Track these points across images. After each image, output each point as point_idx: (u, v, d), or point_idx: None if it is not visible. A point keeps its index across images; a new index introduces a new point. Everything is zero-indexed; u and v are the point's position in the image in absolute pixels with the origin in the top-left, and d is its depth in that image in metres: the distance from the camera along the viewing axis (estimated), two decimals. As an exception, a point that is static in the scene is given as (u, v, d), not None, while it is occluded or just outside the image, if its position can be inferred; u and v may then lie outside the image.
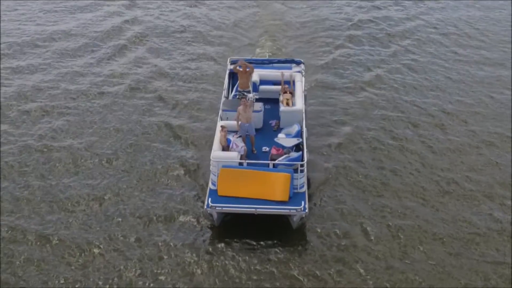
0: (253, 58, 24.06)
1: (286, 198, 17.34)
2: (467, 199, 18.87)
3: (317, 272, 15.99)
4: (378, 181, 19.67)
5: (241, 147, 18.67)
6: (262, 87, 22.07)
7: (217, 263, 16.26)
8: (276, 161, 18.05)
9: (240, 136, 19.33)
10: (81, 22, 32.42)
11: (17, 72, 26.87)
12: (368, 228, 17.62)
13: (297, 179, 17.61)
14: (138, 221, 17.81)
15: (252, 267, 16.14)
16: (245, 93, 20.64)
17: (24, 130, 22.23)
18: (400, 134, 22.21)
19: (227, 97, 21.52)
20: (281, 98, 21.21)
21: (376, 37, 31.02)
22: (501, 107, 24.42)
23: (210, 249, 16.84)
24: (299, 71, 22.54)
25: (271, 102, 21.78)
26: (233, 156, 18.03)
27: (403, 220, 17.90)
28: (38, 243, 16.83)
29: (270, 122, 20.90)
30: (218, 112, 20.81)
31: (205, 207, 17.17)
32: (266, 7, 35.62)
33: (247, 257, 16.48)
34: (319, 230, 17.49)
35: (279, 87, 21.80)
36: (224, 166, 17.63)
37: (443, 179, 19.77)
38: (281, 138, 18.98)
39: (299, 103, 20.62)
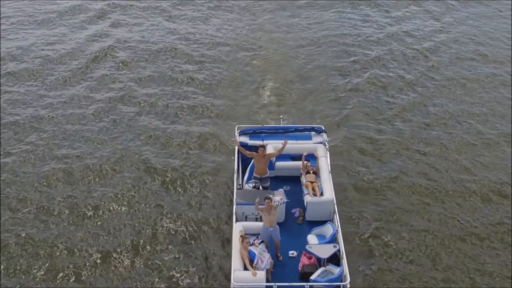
0: (264, 126, 20.26)
1: (328, 330, 14.01)
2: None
3: None
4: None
5: (267, 260, 15.13)
6: (278, 163, 18.49)
7: None
8: (313, 282, 14.56)
9: (262, 242, 15.80)
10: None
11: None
12: None
13: (340, 303, 14.26)
14: None
15: None
16: (264, 184, 17.01)
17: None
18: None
19: (241, 186, 17.74)
20: (303, 180, 17.68)
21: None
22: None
23: None
24: (321, 142, 18.95)
25: (291, 182, 18.23)
26: (260, 278, 14.44)
27: None
28: None
29: (292, 211, 17.35)
30: (232, 207, 17.03)
31: None
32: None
33: None
34: None
35: (298, 163, 18.26)
36: (249, 291, 14.14)
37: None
38: (314, 246, 15.45)
39: (328, 190, 17.02)
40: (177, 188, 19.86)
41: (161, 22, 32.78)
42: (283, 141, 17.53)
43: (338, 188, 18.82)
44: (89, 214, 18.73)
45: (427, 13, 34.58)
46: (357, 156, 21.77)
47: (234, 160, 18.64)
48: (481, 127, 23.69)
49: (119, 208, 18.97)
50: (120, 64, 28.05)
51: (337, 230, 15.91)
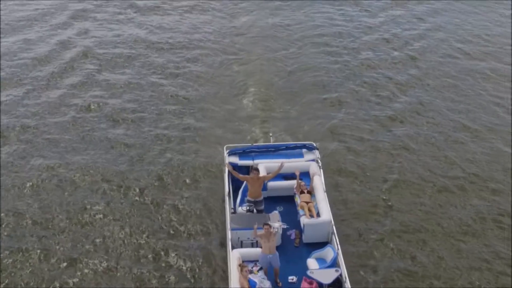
0: (254, 145, 19.71)
1: None
2: None
3: None
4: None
5: (268, 288, 14.77)
6: (270, 183, 17.91)
7: None
8: (317, 310, 14.25)
9: (261, 268, 15.40)
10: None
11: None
12: None
13: (344, 331, 13.95)
14: None
15: None
16: (258, 207, 16.52)
17: None
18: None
19: (234, 210, 17.13)
20: (298, 200, 17.26)
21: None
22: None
23: None
24: (313, 160, 18.50)
25: (284, 202, 17.77)
26: (263, 309, 14.10)
27: None
28: None
29: (288, 233, 16.82)
30: (225, 232, 16.44)
31: None
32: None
33: None
34: None
35: (291, 182, 17.81)
36: (251, 323, 13.75)
37: None
38: (316, 272, 15.02)
39: (325, 209, 16.54)
40: (165, 207, 19.16)
41: (139, 29, 32.36)
42: (279, 164, 17.03)
43: (331, 192, 18.56)
44: (83, 230, 18.30)
45: (407, 11, 34.76)
46: (349, 159, 21.47)
47: (224, 180, 17.94)
48: (469, 124, 23.76)
49: (113, 226, 18.47)
50: (98, 71, 27.64)
51: (337, 253, 15.54)
